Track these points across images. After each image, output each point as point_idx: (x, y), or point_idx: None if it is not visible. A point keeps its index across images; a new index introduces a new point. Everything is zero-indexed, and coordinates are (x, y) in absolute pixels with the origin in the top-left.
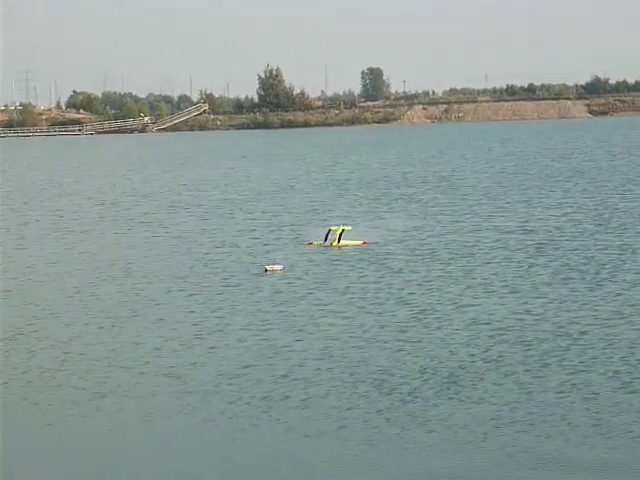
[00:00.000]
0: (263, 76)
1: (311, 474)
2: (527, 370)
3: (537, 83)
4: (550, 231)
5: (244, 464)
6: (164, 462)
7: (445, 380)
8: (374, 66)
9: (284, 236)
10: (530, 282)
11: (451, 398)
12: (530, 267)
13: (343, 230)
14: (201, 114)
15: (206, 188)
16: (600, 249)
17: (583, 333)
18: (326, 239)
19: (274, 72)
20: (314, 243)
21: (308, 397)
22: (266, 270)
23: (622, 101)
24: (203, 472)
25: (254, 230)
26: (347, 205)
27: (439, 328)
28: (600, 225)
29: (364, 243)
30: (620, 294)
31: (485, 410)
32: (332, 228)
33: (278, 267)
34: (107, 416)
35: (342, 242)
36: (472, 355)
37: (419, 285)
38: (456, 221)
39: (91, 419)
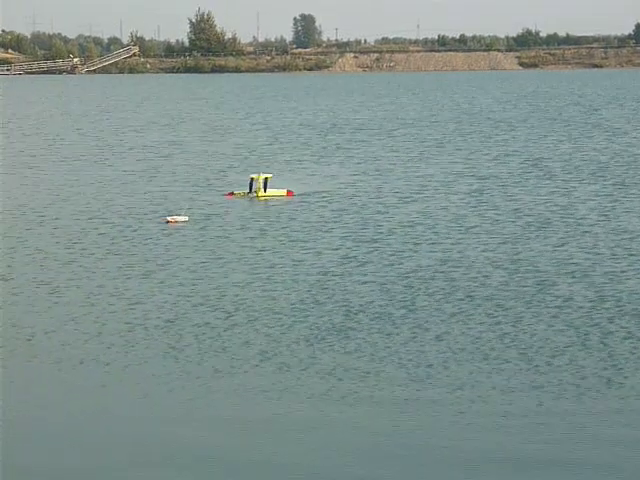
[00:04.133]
0: (194, 20)
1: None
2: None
3: (468, 34)
4: (497, 176)
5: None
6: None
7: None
8: (306, 13)
9: (207, 185)
10: (482, 223)
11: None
12: (479, 211)
13: (266, 178)
14: (131, 57)
15: (141, 130)
16: (558, 194)
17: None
18: (250, 189)
19: (205, 16)
20: (236, 193)
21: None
22: (167, 221)
23: (552, 54)
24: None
25: (182, 178)
26: (280, 153)
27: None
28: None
29: (289, 193)
30: (570, 234)
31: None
32: (252, 176)
33: (181, 218)
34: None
35: (269, 192)
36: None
37: (354, 235)
38: (395, 169)
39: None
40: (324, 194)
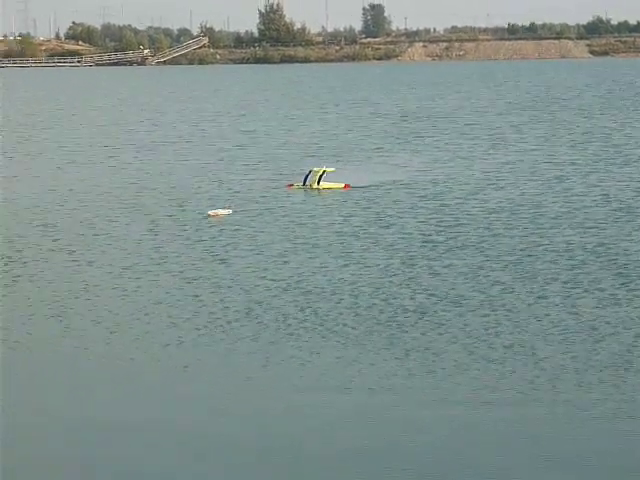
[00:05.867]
0: (264, 10)
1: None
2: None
3: (539, 22)
4: (576, 163)
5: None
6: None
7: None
8: (375, 2)
9: (270, 176)
10: (564, 210)
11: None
12: (561, 197)
13: (324, 172)
14: (201, 48)
15: (216, 120)
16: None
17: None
18: (305, 181)
19: (275, 6)
20: (294, 185)
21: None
22: (209, 215)
23: (623, 42)
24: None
25: (254, 167)
26: (354, 142)
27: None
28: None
29: (346, 186)
30: None
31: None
32: (314, 169)
33: (224, 212)
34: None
35: (322, 184)
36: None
37: (434, 221)
38: (472, 156)
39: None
40: (399, 183)
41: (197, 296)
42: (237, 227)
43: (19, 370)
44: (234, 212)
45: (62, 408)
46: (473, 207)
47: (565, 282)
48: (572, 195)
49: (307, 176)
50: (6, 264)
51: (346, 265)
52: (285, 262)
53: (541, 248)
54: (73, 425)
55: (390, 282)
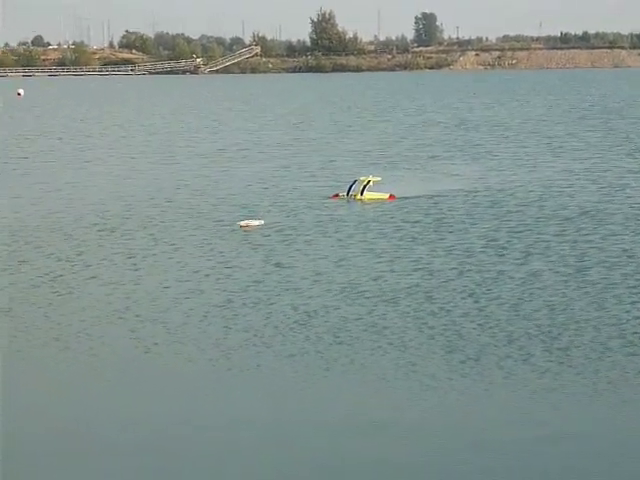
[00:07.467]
0: (316, 20)
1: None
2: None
3: (591, 31)
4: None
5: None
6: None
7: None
8: (428, 11)
9: (322, 185)
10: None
11: None
12: (623, 205)
13: (369, 181)
14: (253, 57)
15: (274, 128)
16: None
17: None
18: (349, 191)
19: (327, 15)
20: (340, 195)
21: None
22: (240, 226)
23: None
24: None
25: (307, 176)
26: (409, 151)
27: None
28: None
29: (391, 197)
30: None
31: None
32: (360, 178)
33: (255, 222)
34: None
35: (366, 195)
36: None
37: (496, 226)
38: (529, 164)
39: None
40: (453, 192)
41: (256, 301)
42: (274, 238)
43: (84, 372)
44: (266, 223)
45: (124, 409)
46: (533, 214)
47: (628, 288)
48: (634, 203)
49: (351, 186)
50: (71, 267)
51: (403, 272)
52: (331, 270)
53: (603, 255)
54: (138, 425)
55: (448, 288)
